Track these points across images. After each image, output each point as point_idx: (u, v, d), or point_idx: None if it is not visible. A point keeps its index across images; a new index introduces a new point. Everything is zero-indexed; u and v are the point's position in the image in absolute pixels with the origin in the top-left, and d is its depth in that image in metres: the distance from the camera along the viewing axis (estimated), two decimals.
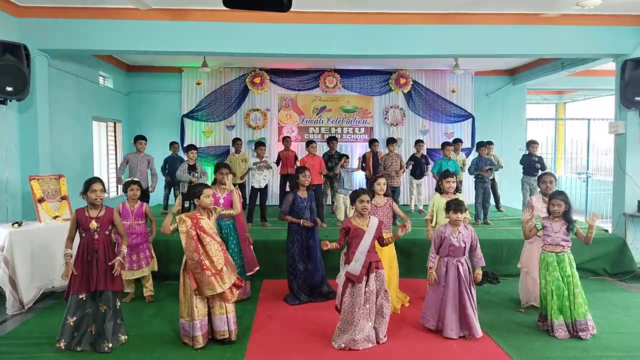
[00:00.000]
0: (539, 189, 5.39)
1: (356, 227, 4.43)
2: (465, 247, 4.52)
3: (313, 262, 5.53)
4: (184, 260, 4.31)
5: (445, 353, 4.19)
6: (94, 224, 4.19)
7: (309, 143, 8.12)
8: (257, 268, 5.49)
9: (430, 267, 4.60)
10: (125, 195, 5.62)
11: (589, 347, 4.31)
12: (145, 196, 7.56)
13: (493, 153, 9.23)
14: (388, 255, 5.27)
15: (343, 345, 4.24)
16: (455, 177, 5.54)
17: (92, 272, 4.14)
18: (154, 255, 5.69)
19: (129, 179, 5.75)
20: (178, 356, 4.08)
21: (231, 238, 5.35)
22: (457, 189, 5.54)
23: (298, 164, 8.11)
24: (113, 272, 4.19)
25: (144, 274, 5.51)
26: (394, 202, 5.38)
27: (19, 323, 4.88)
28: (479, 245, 4.64)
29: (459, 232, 4.54)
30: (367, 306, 4.30)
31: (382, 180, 5.35)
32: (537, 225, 4.71)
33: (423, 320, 4.67)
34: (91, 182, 4.28)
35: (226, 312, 4.33)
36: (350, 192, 7.88)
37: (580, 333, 4.51)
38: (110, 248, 4.32)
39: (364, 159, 9.01)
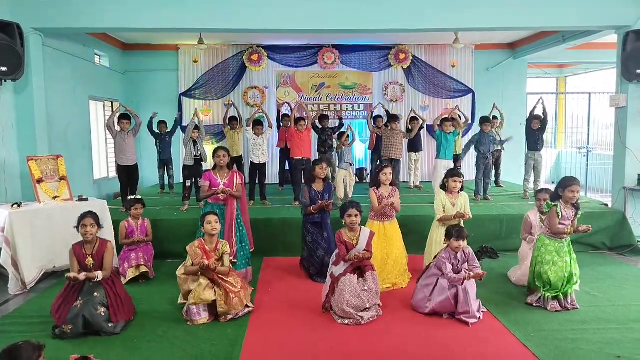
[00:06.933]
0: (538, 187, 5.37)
1: (346, 241, 4.51)
2: (463, 270, 4.46)
3: (328, 251, 5.39)
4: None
5: (445, 329, 4.21)
6: (90, 261, 4.15)
7: (298, 120, 7.99)
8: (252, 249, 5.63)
9: (460, 278, 4.34)
10: (129, 213, 5.74)
11: (587, 320, 4.35)
12: (134, 171, 7.60)
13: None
14: (393, 234, 5.35)
15: (347, 322, 4.28)
16: (462, 178, 5.39)
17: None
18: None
19: (132, 197, 5.85)
20: (180, 333, 4.12)
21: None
22: (462, 189, 5.40)
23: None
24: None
25: (145, 269, 5.55)
26: (397, 192, 5.37)
27: (22, 303, 4.92)
28: (475, 257, 4.57)
29: (458, 259, 4.50)
30: (360, 303, 4.31)
31: (388, 170, 5.32)
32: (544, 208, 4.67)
33: (416, 308, 4.57)
34: (82, 218, 4.20)
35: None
36: (350, 166, 7.99)
37: (572, 304, 4.59)
38: (112, 280, 4.27)
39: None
